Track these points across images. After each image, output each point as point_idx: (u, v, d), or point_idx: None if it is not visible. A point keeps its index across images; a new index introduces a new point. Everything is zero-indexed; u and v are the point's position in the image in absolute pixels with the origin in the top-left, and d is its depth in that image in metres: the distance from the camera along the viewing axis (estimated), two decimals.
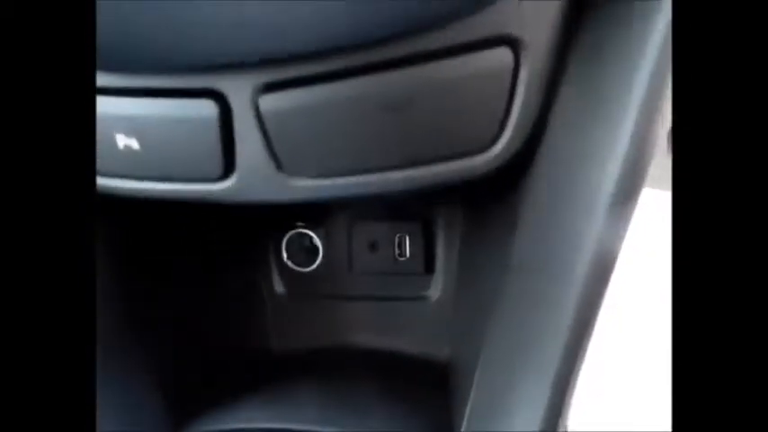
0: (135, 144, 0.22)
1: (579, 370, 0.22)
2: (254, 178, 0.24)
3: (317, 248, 0.47)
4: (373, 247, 0.45)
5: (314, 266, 0.47)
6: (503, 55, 0.20)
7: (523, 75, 0.21)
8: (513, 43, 0.20)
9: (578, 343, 0.21)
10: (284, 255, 0.48)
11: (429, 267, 0.46)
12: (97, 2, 0.17)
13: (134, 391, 0.34)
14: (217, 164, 0.23)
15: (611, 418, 0.64)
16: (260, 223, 0.48)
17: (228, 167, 0.23)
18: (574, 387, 0.22)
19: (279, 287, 0.48)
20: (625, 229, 0.20)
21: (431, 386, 0.41)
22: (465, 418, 0.30)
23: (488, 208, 0.33)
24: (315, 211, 0.47)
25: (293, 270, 0.48)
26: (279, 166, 0.23)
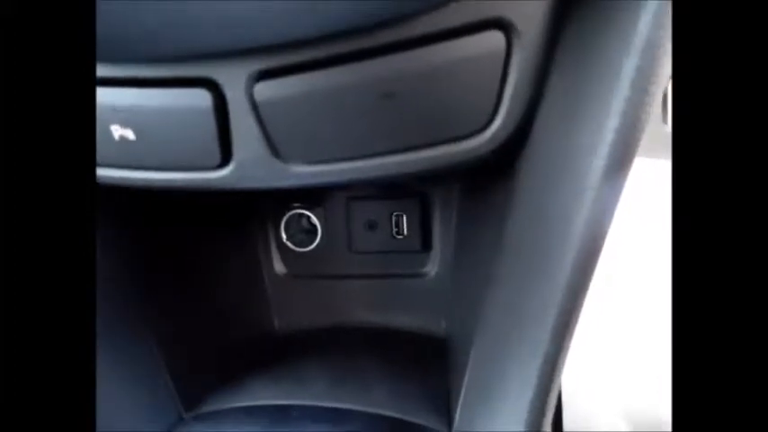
0: (131, 135, 0.22)
1: (570, 340, 0.23)
2: (251, 166, 0.24)
3: (315, 228, 0.48)
4: (371, 225, 0.46)
5: (313, 246, 0.48)
6: (495, 39, 0.20)
7: (516, 59, 0.21)
8: (505, 27, 0.20)
9: (569, 316, 0.22)
10: (283, 235, 0.48)
11: (426, 245, 0.46)
12: None
13: (143, 374, 0.34)
14: (214, 152, 0.23)
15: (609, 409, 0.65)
16: (258, 205, 0.48)
17: (226, 156, 0.23)
18: (564, 361, 0.23)
19: (279, 267, 0.49)
20: (615, 205, 0.20)
21: (429, 360, 0.42)
22: (462, 391, 0.31)
23: (485, 187, 0.33)
24: (313, 192, 0.47)
25: (293, 250, 0.48)
26: (275, 153, 0.23)
